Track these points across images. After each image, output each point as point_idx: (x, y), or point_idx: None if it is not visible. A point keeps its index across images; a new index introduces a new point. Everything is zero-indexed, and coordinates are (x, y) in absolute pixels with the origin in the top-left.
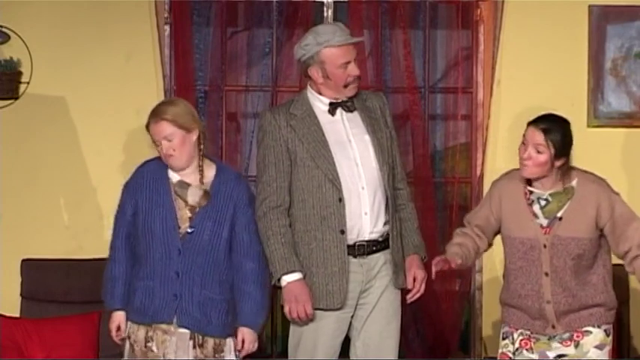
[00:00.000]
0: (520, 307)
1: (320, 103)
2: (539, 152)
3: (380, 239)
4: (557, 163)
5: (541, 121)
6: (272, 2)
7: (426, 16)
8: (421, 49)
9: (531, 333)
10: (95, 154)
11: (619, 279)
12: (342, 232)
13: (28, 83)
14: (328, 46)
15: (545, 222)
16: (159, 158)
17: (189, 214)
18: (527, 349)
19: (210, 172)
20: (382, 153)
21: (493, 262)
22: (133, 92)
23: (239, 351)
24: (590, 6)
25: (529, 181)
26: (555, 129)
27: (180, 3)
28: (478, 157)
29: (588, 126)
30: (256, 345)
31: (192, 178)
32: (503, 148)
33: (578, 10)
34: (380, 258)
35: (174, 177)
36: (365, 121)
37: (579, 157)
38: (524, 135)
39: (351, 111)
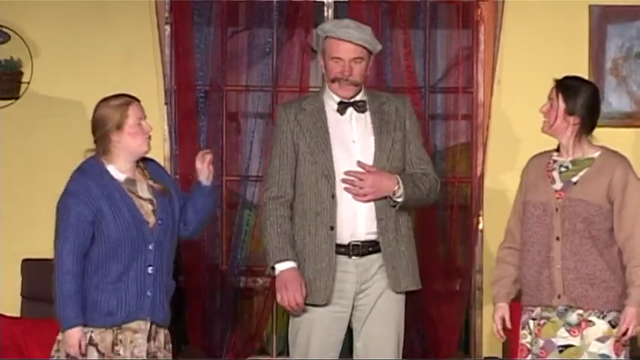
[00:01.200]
0: (533, 278)
1: (331, 101)
2: (551, 105)
3: (378, 240)
4: (572, 121)
5: (564, 78)
6: (272, 2)
7: (426, 16)
8: (421, 49)
9: (541, 310)
10: None
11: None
12: (332, 228)
13: (28, 83)
14: (329, 36)
15: (560, 186)
16: (90, 162)
17: (151, 207)
18: (539, 338)
19: (139, 162)
20: (381, 155)
21: (493, 262)
22: (134, 92)
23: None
24: (590, 6)
25: (557, 151)
26: (571, 87)
27: (180, 3)
28: (478, 157)
29: None
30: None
31: (133, 173)
32: (503, 148)
33: (579, 10)
34: (377, 260)
35: (119, 176)
36: (374, 123)
37: None
38: None
39: (363, 112)
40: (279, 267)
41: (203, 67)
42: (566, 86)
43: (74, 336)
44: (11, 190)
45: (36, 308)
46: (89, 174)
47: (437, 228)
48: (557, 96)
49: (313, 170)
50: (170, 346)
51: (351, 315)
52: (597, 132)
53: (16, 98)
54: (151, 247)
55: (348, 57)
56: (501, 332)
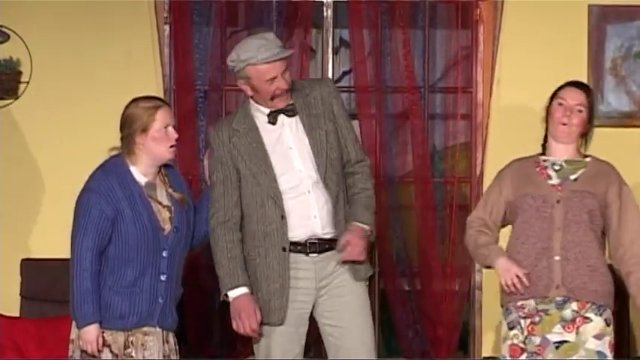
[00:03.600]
0: (527, 270)
1: (260, 114)
2: (580, 111)
3: (335, 238)
4: (587, 128)
5: (579, 83)
6: (272, 2)
7: (426, 15)
8: (421, 48)
9: (535, 303)
10: (95, 154)
11: (620, 278)
12: (284, 249)
13: (27, 83)
14: (250, 64)
15: (557, 181)
16: (113, 161)
17: (168, 215)
18: (533, 335)
19: (161, 169)
20: (320, 154)
21: None
22: (133, 92)
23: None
24: (589, 6)
25: (542, 154)
26: (590, 92)
27: (179, 3)
28: (478, 157)
29: None
30: None
31: (154, 178)
32: (503, 148)
33: (578, 10)
34: (336, 256)
35: (140, 179)
36: (303, 122)
37: None
38: (557, 97)
39: (293, 115)
40: (232, 294)
41: (202, 67)
42: (589, 92)
43: (92, 333)
44: (11, 190)
45: (35, 308)
46: (112, 173)
47: (436, 228)
48: (587, 101)
49: (258, 192)
50: (177, 347)
51: (315, 313)
52: (597, 132)
53: (16, 98)
54: (165, 254)
55: (280, 71)
56: (523, 279)
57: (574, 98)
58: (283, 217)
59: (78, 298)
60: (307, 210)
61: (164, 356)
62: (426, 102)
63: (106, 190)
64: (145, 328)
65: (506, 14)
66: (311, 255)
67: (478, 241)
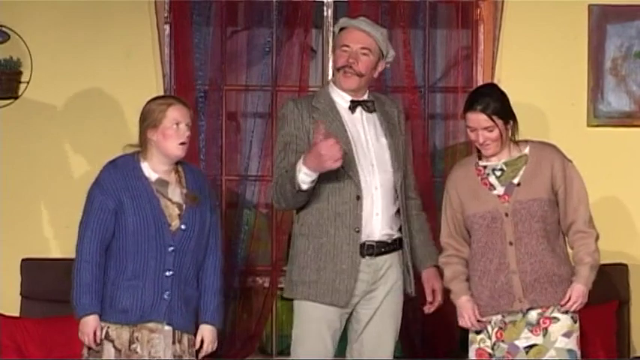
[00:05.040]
0: (487, 287)
1: (341, 99)
2: (490, 131)
3: (389, 241)
4: (509, 127)
5: (475, 103)
6: (272, 2)
7: (426, 15)
8: (421, 48)
9: (502, 316)
10: (95, 154)
11: (620, 277)
12: (357, 230)
13: (28, 83)
14: (342, 28)
15: (502, 190)
16: (126, 157)
17: (177, 212)
18: (502, 341)
19: (180, 168)
20: (398, 157)
21: None
22: (133, 91)
23: (197, 351)
24: (590, 5)
25: (479, 157)
26: (490, 102)
27: (180, 2)
28: None
29: (588, 125)
30: (216, 344)
31: (168, 176)
32: None
33: (578, 10)
34: (387, 260)
35: (151, 175)
36: (383, 124)
37: (579, 156)
38: (467, 121)
39: (371, 112)
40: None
41: (202, 67)
42: (488, 106)
43: (89, 324)
44: (11, 190)
45: (35, 308)
46: (120, 167)
47: (436, 227)
48: (491, 119)
49: (335, 171)
50: (193, 349)
51: (350, 315)
52: (597, 132)
53: (16, 98)
54: (170, 249)
55: (356, 45)
56: (476, 324)
57: (479, 123)
58: (359, 197)
59: (77, 289)
60: (371, 206)
61: (174, 356)
62: (426, 102)
63: (109, 183)
64: (151, 325)
65: (506, 14)
66: (367, 257)
67: (446, 274)
